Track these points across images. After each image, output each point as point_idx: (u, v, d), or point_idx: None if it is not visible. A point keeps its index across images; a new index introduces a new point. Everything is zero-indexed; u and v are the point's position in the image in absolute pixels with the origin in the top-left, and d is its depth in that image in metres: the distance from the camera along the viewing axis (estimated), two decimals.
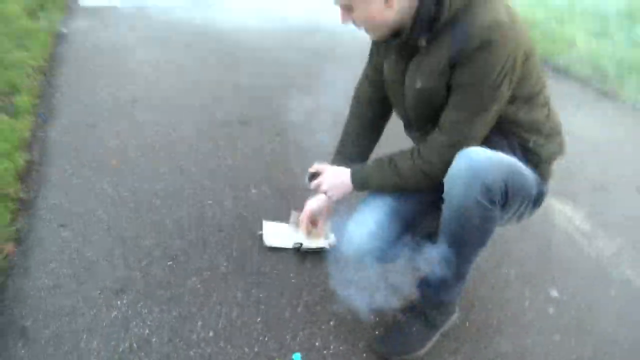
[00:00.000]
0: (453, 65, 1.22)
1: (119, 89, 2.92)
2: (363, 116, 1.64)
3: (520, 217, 1.47)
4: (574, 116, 2.85)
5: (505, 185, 1.21)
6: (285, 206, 1.97)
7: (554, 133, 1.41)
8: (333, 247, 1.77)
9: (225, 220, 1.94)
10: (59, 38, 3.63)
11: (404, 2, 1.21)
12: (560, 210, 2.13)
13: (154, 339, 1.46)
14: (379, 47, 1.48)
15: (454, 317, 1.55)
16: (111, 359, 1.38)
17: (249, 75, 3.18)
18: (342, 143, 1.63)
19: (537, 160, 1.38)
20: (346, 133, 1.64)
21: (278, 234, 1.85)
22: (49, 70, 3.13)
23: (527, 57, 1.25)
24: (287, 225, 1.87)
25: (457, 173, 1.20)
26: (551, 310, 1.66)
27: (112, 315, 1.52)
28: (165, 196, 2.05)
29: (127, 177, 2.14)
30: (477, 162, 1.19)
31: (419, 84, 1.31)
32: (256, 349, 1.44)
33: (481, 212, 1.21)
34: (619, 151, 2.69)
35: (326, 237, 1.78)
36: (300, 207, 1.63)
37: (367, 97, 1.62)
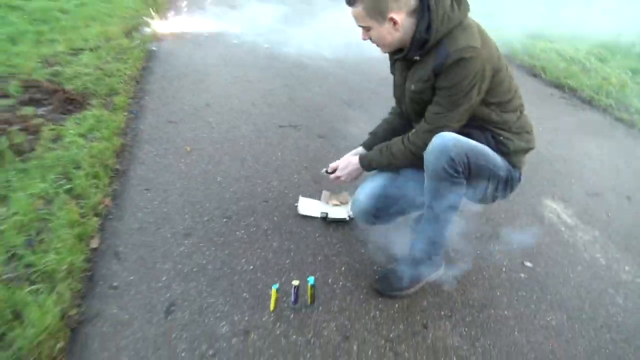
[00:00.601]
0: (436, 74, 1.71)
1: (196, 95, 3.56)
2: (390, 122, 2.14)
3: (494, 196, 1.90)
4: (590, 138, 3.20)
5: (468, 159, 1.67)
6: (319, 189, 2.47)
7: (522, 132, 1.86)
8: (351, 217, 2.27)
9: (271, 195, 2.48)
10: (149, 54, 4.37)
11: (406, 28, 1.72)
12: (552, 207, 2.51)
13: (209, 267, 2.00)
14: (392, 64, 1.98)
15: (440, 271, 1.99)
16: (177, 276, 1.93)
17: (304, 90, 3.75)
18: (370, 136, 2.13)
19: (506, 151, 1.82)
20: (375, 131, 2.14)
21: (310, 206, 2.36)
22: (140, 78, 3.83)
23: (495, 73, 1.72)
24: (318, 201, 2.38)
25: (431, 149, 1.68)
26: (522, 275, 2.06)
27: (180, 249, 2.08)
28: (225, 176, 2.61)
29: (198, 161, 2.74)
30: (445, 140, 1.66)
31: (412, 87, 1.81)
32: (283, 279, 1.94)
33: (449, 177, 1.67)
34: (620, 166, 3.00)
35: (347, 211, 2.28)
36: (330, 189, 2.15)
37: (398, 111, 2.12)
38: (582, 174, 2.75)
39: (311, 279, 1.79)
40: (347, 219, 2.28)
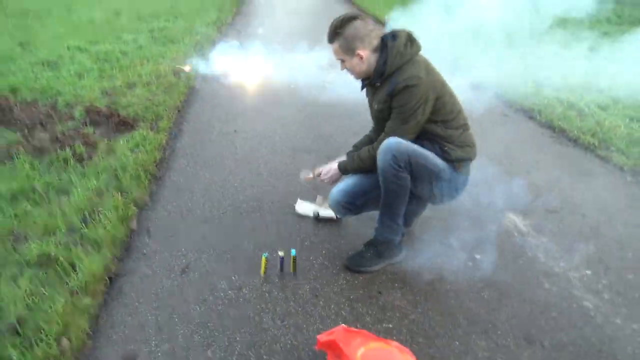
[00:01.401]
0: (391, 97, 2.31)
1: (225, 124, 4.26)
2: (369, 137, 2.72)
3: (442, 195, 2.42)
4: (563, 168, 3.66)
5: (409, 158, 2.23)
6: (314, 196, 3.05)
7: (463, 145, 2.39)
8: (338, 217, 2.84)
9: (278, 198, 3.07)
10: (191, 90, 5.15)
11: (370, 61, 2.33)
12: (511, 218, 3.00)
13: (219, 244, 2.59)
14: (363, 88, 2.59)
15: (401, 256, 2.51)
16: (193, 249, 2.53)
17: (321, 123, 4.35)
18: (353, 148, 2.70)
19: (449, 158, 2.36)
20: (357, 144, 2.69)
21: (306, 207, 2.94)
22: (182, 109, 4.59)
23: (438, 97, 2.28)
24: (313, 204, 2.96)
25: (380, 149, 2.24)
26: (470, 263, 2.56)
27: (198, 231, 2.69)
28: (241, 183, 3.24)
29: (221, 172, 3.38)
30: (389, 143, 2.21)
31: (376, 107, 2.41)
32: (274, 253, 2.51)
33: (393, 172, 2.22)
34: (584, 189, 3.44)
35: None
36: (322, 195, 2.74)
37: (372, 127, 2.72)
38: (547, 195, 3.23)
39: (293, 251, 2.37)
40: (335, 218, 2.84)
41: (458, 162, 2.35)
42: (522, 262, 2.56)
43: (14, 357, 1.80)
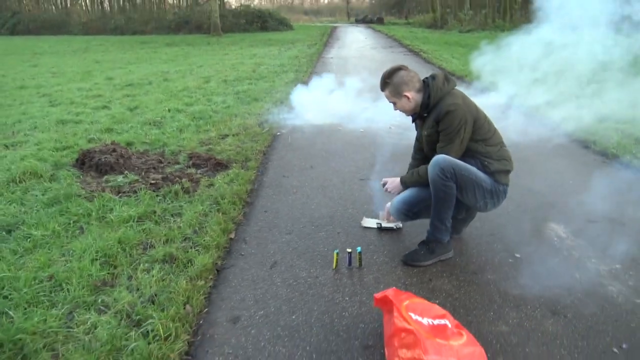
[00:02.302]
0: (437, 122, 2.95)
1: (303, 161, 5.01)
2: (415, 157, 3.36)
3: (485, 203, 2.98)
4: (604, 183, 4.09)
5: (454, 170, 2.83)
6: (376, 211, 3.68)
7: (500, 159, 2.96)
8: (398, 227, 3.45)
9: (346, 216, 3.72)
10: (274, 137, 6.01)
11: (416, 100, 2.99)
12: (552, 227, 3.47)
13: (300, 248, 3.25)
14: (413, 122, 3.24)
15: (449, 254, 3.05)
16: (279, 251, 3.20)
17: (384, 158, 5.05)
18: (408, 168, 3.33)
19: (488, 171, 2.93)
20: (410, 165, 3.35)
21: (370, 222, 3.57)
22: (267, 152, 5.42)
23: (475, 120, 2.90)
24: (376, 219, 3.59)
25: (430, 164, 2.85)
26: (510, 260, 3.07)
27: (282, 239, 3.37)
28: (317, 204, 3.90)
29: (300, 197, 4.08)
30: (437, 158, 2.81)
31: (425, 133, 3.04)
32: (343, 253, 3.14)
33: (441, 182, 2.82)
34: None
35: (396, 224, 3.45)
36: (383, 212, 3.37)
37: (416, 148, 3.35)
38: (588, 207, 3.67)
39: (359, 248, 2.98)
40: (395, 227, 3.44)
41: (497, 173, 2.89)
42: (559, 261, 3.00)
43: (154, 315, 2.51)
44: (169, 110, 7.55)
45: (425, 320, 2.07)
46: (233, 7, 46.84)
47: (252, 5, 50.00)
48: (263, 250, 3.20)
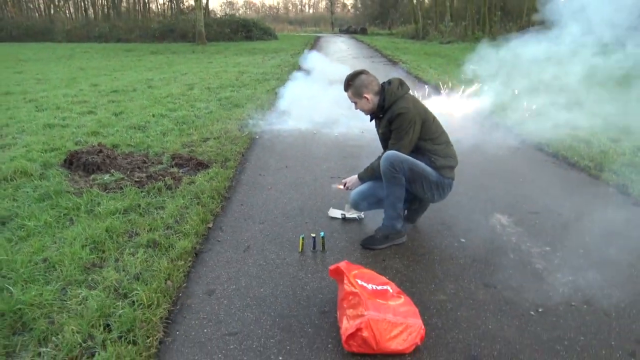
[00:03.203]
0: (390, 123, 3.38)
1: (279, 162, 5.42)
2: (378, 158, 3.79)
3: (432, 194, 3.42)
4: (554, 183, 4.56)
5: (402, 164, 3.24)
6: (342, 205, 4.10)
7: (446, 156, 3.38)
8: (360, 218, 3.87)
9: (315, 208, 4.13)
10: (252, 140, 6.42)
11: (374, 101, 3.43)
12: (497, 217, 3.92)
13: (270, 236, 3.63)
14: (371, 120, 3.66)
15: (403, 239, 3.45)
16: (252, 237, 3.60)
17: (354, 158, 5.41)
18: (369, 165, 3.75)
19: (434, 166, 3.34)
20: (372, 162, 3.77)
21: (335, 212, 3.98)
22: (245, 153, 5.82)
23: (424, 121, 3.33)
24: (341, 210, 4.01)
25: (382, 159, 3.27)
26: (456, 244, 3.50)
27: (256, 228, 3.75)
28: (290, 199, 4.28)
29: (274, 194, 4.46)
30: (388, 154, 3.23)
31: (381, 131, 3.47)
32: (308, 238, 3.55)
33: (390, 174, 3.24)
34: (566, 196, 4.20)
35: (358, 215, 3.86)
36: (349, 204, 3.77)
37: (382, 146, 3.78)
38: (533, 200, 4.13)
39: (322, 233, 3.39)
40: (357, 218, 3.86)
41: (443, 168, 3.31)
42: (499, 245, 3.44)
43: (139, 288, 2.89)
44: (153, 116, 7.89)
45: (370, 286, 2.48)
46: (218, 16, 47.33)
47: (236, 14, 50.54)
48: (237, 237, 3.59)
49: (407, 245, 3.40)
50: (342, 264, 2.62)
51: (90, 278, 3.00)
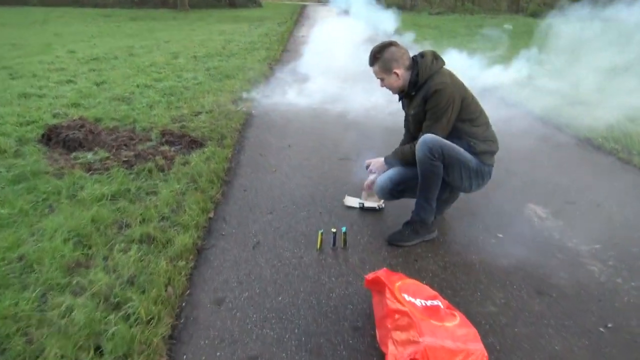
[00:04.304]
0: (425, 101, 2.89)
1: (280, 140, 4.91)
2: (405, 137, 3.30)
3: (470, 184, 2.95)
4: (584, 167, 4.15)
5: (442, 150, 2.78)
6: (359, 193, 3.62)
7: (486, 139, 2.93)
8: (381, 207, 3.39)
9: (327, 195, 3.65)
10: (249, 115, 5.87)
11: (405, 77, 2.93)
12: (532, 207, 3.49)
13: (281, 228, 3.16)
14: (400, 100, 3.17)
15: (433, 234, 3.02)
16: (262, 231, 3.11)
17: (362, 137, 4.94)
18: (397, 148, 3.25)
19: (474, 151, 2.89)
20: (400, 143, 3.27)
21: (352, 201, 3.51)
22: (242, 130, 5.28)
23: (463, 99, 2.85)
24: (358, 199, 3.53)
25: (418, 143, 2.79)
26: (493, 240, 3.06)
27: (264, 219, 3.27)
28: (297, 184, 3.82)
29: (279, 176, 3.98)
30: (425, 138, 2.76)
31: (412, 112, 2.98)
32: (330, 228, 3.08)
33: (429, 161, 2.77)
34: (600, 184, 3.85)
35: (378, 204, 3.39)
36: (366, 192, 3.31)
37: (405, 138, 3.28)
38: (566, 189, 3.70)
39: (344, 228, 2.92)
40: (377, 207, 3.39)
41: (483, 154, 2.85)
42: (540, 240, 3.01)
43: (134, 297, 2.40)
44: (138, 86, 7.30)
45: (419, 302, 2.03)
46: None
47: None
48: (244, 230, 3.11)
49: (439, 241, 2.97)
50: (382, 273, 2.17)
51: (75, 281, 2.52)
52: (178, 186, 3.68)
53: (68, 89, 6.92)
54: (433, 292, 2.16)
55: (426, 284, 2.37)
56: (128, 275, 2.57)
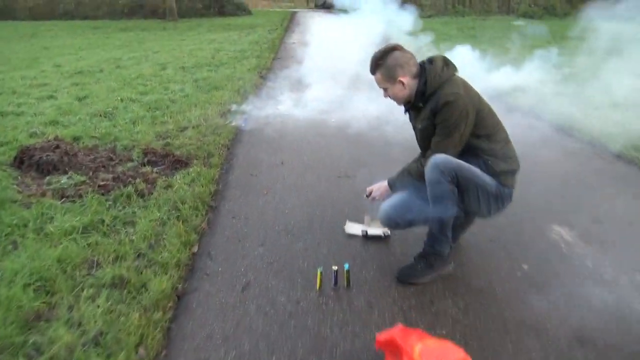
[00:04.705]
0: (434, 114, 2.46)
1: (272, 157, 4.47)
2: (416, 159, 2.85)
3: (488, 209, 2.52)
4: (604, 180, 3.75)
5: (455, 172, 2.35)
6: (361, 217, 3.18)
7: (506, 157, 2.51)
8: (386, 235, 2.95)
9: (326, 220, 3.22)
10: (238, 130, 5.42)
11: (411, 86, 2.50)
12: (557, 230, 3.06)
13: (275, 263, 2.73)
14: (406, 112, 2.74)
15: (449, 267, 2.59)
16: (252, 268, 2.68)
17: (360, 152, 4.54)
18: (403, 169, 2.82)
19: (492, 172, 2.47)
20: (407, 164, 2.83)
21: (354, 227, 3.07)
22: (230, 146, 4.84)
23: (478, 111, 2.43)
24: (361, 224, 3.09)
25: (428, 165, 2.37)
26: (519, 273, 2.62)
27: (255, 253, 2.84)
28: (292, 208, 3.40)
29: (271, 200, 3.55)
30: (436, 159, 2.35)
31: (419, 126, 2.55)
32: (330, 265, 2.63)
33: (440, 186, 2.35)
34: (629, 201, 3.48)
35: (383, 231, 2.95)
36: (369, 215, 2.88)
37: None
38: (590, 204, 3.28)
39: (347, 265, 2.48)
40: (383, 235, 2.95)
41: (503, 174, 2.45)
42: (568, 272, 2.59)
43: None
44: (122, 100, 6.86)
45: None
46: None
47: None
48: (232, 268, 2.68)
49: (457, 276, 2.56)
50: (397, 333, 1.75)
51: (32, 341, 2.08)
52: (158, 214, 3.25)
53: (48, 105, 6.48)
54: (460, 354, 1.72)
55: (445, 333, 1.96)
56: (94, 332, 2.15)
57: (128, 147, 4.72)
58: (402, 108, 2.65)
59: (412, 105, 2.53)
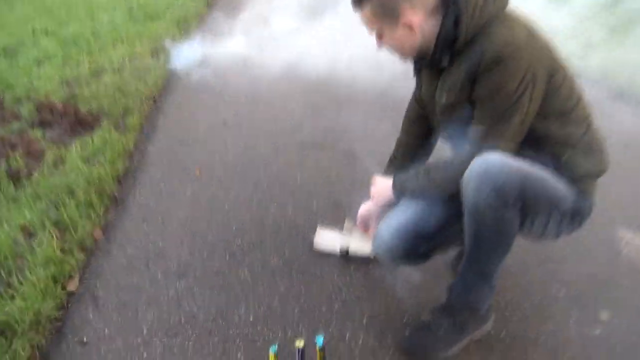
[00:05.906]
0: (473, 81, 1.26)
1: (213, 114, 3.22)
2: (411, 131, 1.71)
3: (558, 232, 1.42)
4: None
5: (522, 190, 1.21)
6: (340, 217, 2.03)
7: (592, 149, 1.38)
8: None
9: (284, 225, 2.07)
10: (171, 73, 4.07)
11: (426, 30, 1.30)
12: (631, 240, 2.00)
13: (200, 316, 1.60)
14: (420, 69, 1.54)
15: (487, 326, 1.52)
16: (161, 328, 1.53)
17: (327, 110, 3.31)
18: (394, 155, 1.72)
19: (571, 175, 1.34)
20: (398, 146, 1.72)
21: (328, 239, 1.92)
22: (158, 97, 3.54)
23: (552, 75, 1.27)
24: (339, 232, 1.94)
25: (469, 175, 1.23)
26: (598, 331, 1.55)
27: (170, 293, 1.70)
28: (235, 202, 2.24)
29: (206, 186, 2.38)
30: (489, 165, 1.21)
31: (444, 100, 1.37)
32: (288, 333, 1.51)
33: (492, 212, 1.22)
34: None
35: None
36: (354, 218, 1.71)
37: (415, 114, 1.69)
38: None
39: (319, 340, 1.35)
40: (372, 256, 1.82)
41: (586, 179, 1.39)
42: None
43: None
44: (34, 32, 5.37)
45: None
46: None
47: None
48: (128, 330, 1.56)
49: (498, 337, 1.45)
50: None
51: None
52: (29, 216, 2.00)
53: None
54: None
55: None
56: None
57: (19, 99, 3.40)
58: (410, 65, 1.45)
59: (430, 63, 1.33)
